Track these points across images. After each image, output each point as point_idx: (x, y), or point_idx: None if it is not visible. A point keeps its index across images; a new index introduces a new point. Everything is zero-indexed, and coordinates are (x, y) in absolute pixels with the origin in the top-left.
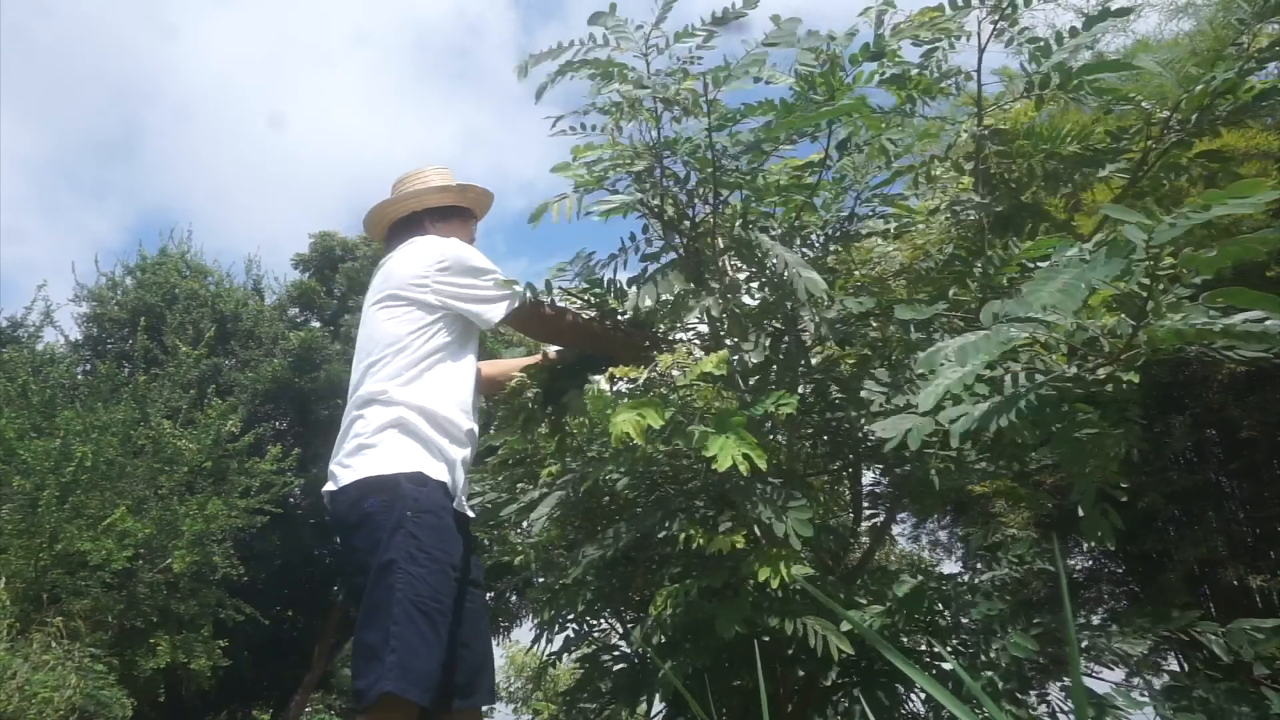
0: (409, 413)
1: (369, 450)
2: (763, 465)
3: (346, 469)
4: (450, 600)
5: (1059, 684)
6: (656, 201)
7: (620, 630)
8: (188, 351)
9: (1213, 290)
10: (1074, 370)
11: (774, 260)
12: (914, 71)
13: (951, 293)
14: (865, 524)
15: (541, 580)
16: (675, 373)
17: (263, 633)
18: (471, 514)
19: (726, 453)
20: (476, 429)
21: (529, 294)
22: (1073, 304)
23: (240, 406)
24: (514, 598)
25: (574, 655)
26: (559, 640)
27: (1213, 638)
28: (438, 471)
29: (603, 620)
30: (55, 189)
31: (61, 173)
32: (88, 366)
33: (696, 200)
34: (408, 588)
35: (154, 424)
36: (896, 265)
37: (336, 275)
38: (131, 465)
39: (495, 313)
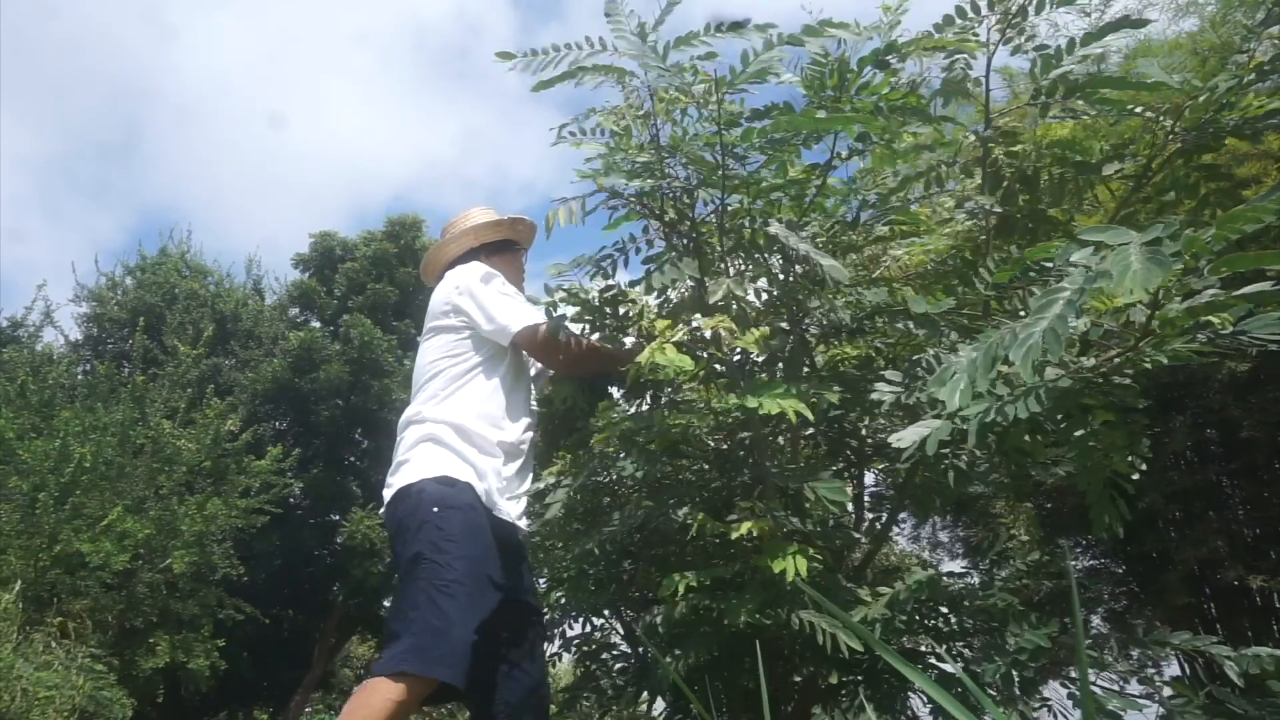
0: (437, 427)
1: (404, 466)
2: (810, 416)
3: (389, 488)
4: (479, 586)
5: (1058, 685)
6: (657, 203)
7: (620, 629)
8: (187, 351)
9: (1216, 260)
10: (1091, 362)
11: (790, 250)
12: (921, 89)
13: (959, 291)
14: (867, 524)
15: (543, 581)
16: (722, 332)
17: (263, 633)
18: (518, 522)
19: (773, 400)
20: (517, 439)
21: (552, 328)
22: (1059, 348)
23: (240, 406)
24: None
25: (575, 655)
26: (560, 641)
27: (1227, 660)
28: (465, 475)
29: (603, 619)
30: (55, 189)
31: (61, 173)
32: (88, 366)
33: (699, 201)
34: (431, 575)
35: (153, 424)
36: (904, 268)
37: (336, 275)
38: (131, 465)
39: (512, 326)
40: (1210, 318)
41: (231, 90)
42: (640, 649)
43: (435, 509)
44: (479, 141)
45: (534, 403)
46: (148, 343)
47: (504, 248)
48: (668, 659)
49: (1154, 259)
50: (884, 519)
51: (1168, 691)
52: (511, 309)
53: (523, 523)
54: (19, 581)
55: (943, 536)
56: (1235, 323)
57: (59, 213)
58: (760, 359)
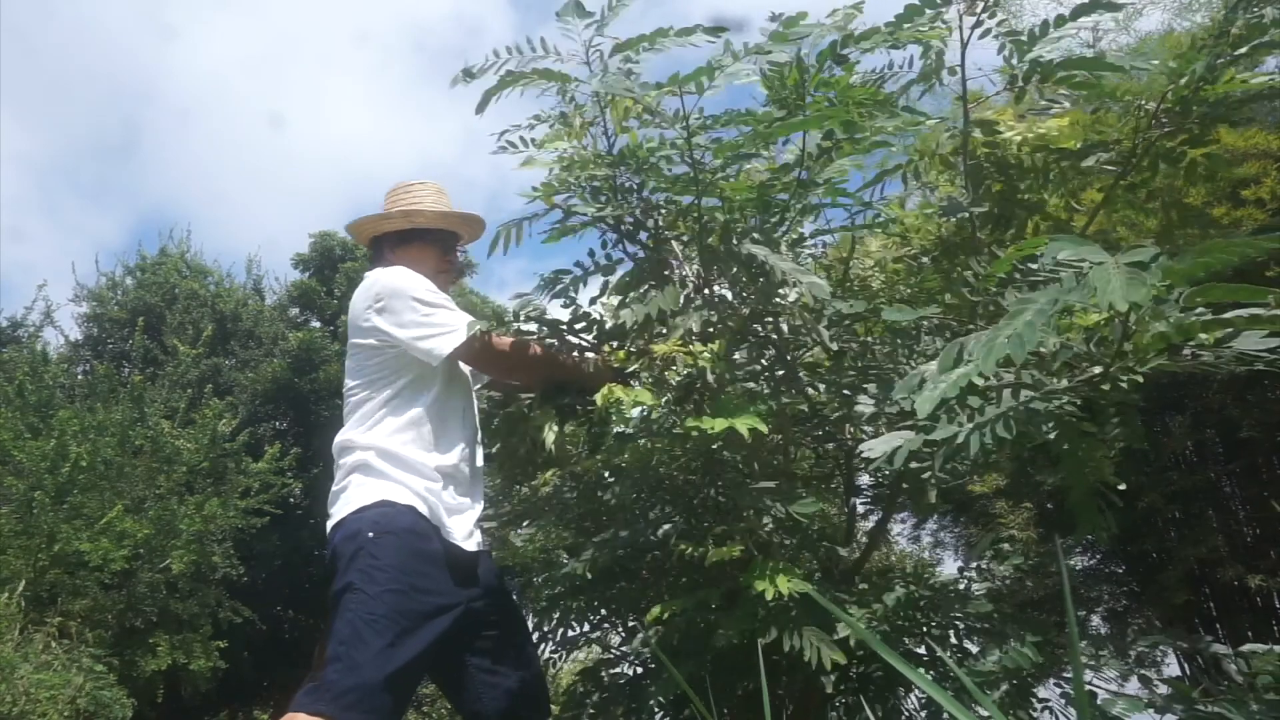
0: (369, 454)
1: (341, 496)
2: (764, 430)
3: (329, 519)
4: (413, 620)
5: (1054, 684)
6: (616, 213)
7: (620, 633)
8: (186, 351)
9: (1192, 290)
10: (1064, 383)
11: (769, 269)
12: (889, 82)
13: (938, 297)
14: (862, 522)
15: (543, 580)
16: (676, 358)
17: (263, 633)
18: (467, 544)
19: (725, 422)
20: (456, 461)
21: (481, 330)
22: (1023, 353)
23: (240, 407)
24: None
25: (573, 659)
26: (555, 645)
27: (1230, 662)
28: (404, 498)
29: (601, 622)
30: (55, 189)
31: (61, 173)
32: (87, 366)
33: (654, 212)
34: (360, 606)
35: (152, 424)
36: (880, 258)
37: (336, 275)
38: (130, 465)
39: (441, 347)
40: (1201, 336)
41: (231, 90)
42: (641, 657)
43: (371, 534)
44: (479, 142)
45: (475, 409)
46: (148, 343)
47: (411, 238)
48: (669, 665)
49: (1136, 276)
50: (878, 517)
51: (1166, 690)
52: (435, 329)
53: (473, 543)
54: (22, 582)
55: (943, 536)
56: (1218, 340)
57: (59, 213)
58: (720, 374)
